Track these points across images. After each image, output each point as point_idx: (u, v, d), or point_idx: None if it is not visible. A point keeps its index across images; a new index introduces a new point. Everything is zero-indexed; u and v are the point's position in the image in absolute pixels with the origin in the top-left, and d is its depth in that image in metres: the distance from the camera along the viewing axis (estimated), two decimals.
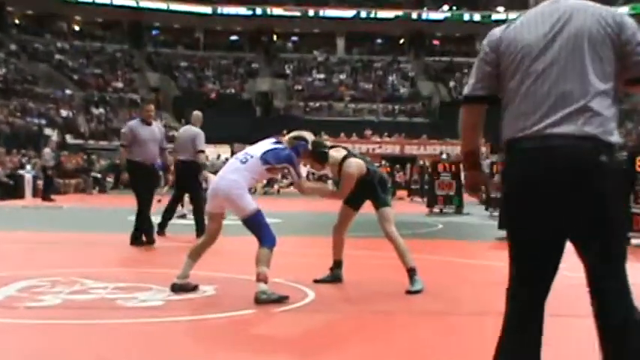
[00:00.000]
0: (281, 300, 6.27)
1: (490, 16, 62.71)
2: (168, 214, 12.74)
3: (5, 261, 9.08)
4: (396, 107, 56.89)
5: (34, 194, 25.30)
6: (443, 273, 8.78)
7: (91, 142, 44.03)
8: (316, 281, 7.46)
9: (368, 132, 47.81)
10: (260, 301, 6.20)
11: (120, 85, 55.17)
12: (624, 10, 58.53)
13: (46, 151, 25.79)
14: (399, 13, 62.81)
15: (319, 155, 7.03)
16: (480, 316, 6.20)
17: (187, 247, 11.27)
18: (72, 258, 9.55)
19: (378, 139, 46.78)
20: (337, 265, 7.69)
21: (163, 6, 60.77)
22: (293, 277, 7.61)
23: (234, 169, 6.58)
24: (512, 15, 61.41)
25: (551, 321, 3.45)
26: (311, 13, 62.55)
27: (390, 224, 7.27)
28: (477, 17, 63.02)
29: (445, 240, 13.63)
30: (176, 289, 6.69)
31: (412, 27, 63.55)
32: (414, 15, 63.13)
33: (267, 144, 6.79)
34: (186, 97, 55.56)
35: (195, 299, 6.51)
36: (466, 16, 63.27)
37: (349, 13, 62.98)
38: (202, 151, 12.83)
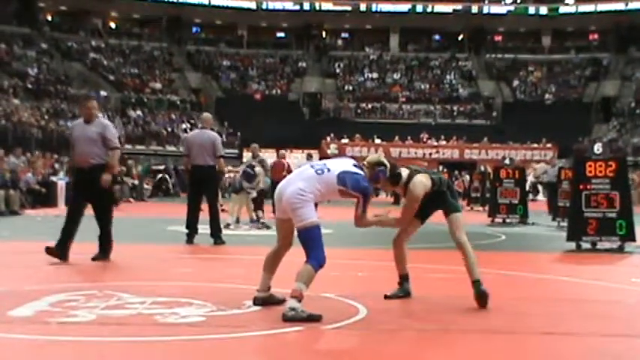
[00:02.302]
0: (312, 319, 6.17)
1: (558, 9, 62.08)
2: (193, 221, 12.92)
3: (37, 273, 9.21)
4: (455, 108, 56.62)
5: (67, 202, 25.64)
6: (506, 288, 8.69)
7: (128, 146, 44.52)
8: (387, 297, 7.48)
9: (424, 135, 47.68)
10: (287, 317, 6.18)
11: (158, 85, 55.77)
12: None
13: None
14: (458, 6, 62.51)
15: (395, 177, 7.15)
16: (547, 335, 6.12)
17: (224, 259, 11.35)
18: (107, 270, 9.65)
19: (435, 143, 46.62)
20: (404, 278, 7.67)
21: (204, 1, 61.30)
22: (344, 291, 7.59)
23: (306, 177, 6.60)
24: (582, 8, 60.82)
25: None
26: (363, 7, 62.57)
27: (461, 231, 7.34)
28: (543, 11, 62.43)
29: (508, 252, 13.50)
30: (257, 302, 6.82)
31: (472, 22, 63.18)
32: (475, 9, 62.78)
33: (348, 164, 6.80)
34: (229, 99, 56.04)
35: (239, 315, 6.53)
36: (531, 10, 62.73)
37: (404, 7, 62.86)
38: (223, 156, 13.04)
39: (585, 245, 13.14)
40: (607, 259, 12.36)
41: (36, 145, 33.51)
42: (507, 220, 20.28)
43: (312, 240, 6.47)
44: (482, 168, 32.76)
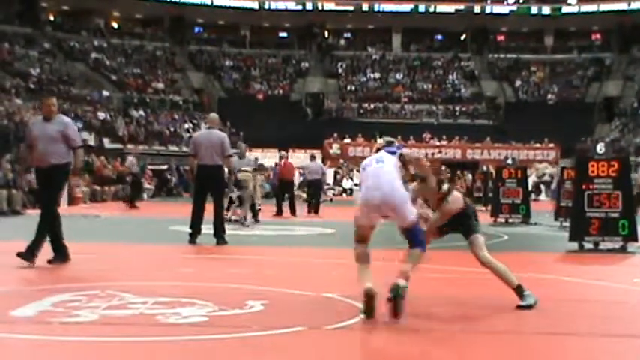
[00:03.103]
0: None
1: (560, 9, 62.01)
2: (198, 221, 12.93)
3: (39, 273, 9.22)
4: (457, 108, 56.59)
5: (70, 202, 25.67)
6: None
7: (130, 146, 44.54)
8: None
9: (427, 135, 47.66)
10: (396, 294, 6.40)
11: (161, 85, 55.78)
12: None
13: (130, 159, 28.54)
14: (461, 6, 62.46)
15: (439, 182, 7.43)
16: (549, 335, 6.12)
17: (225, 259, 11.36)
18: (110, 270, 9.66)
19: (438, 143, 46.59)
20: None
21: (207, 1, 61.28)
22: (347, 292, 7.60)
23: (392, 180, 6.77)
24: (585, 8, 60.76)
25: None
26: (365, 7, 62.53)
27: (482, 249, 7.49)
28: (545, 11, 62.35)
29: (511, 252, 13.48)
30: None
31: (475, 22, 63.13)
32: (477, 9, 62.72)
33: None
34: (231, 99, 56.04)
35: (242, 315, 6.53)
36: (534, 10, 62.66)
37: (406, 7, 62.81)
38: (231, 156, 13.27)
39: (588, 245, 13.14)
40: (609, 259, 12.36)
41: None
42: (510, 220, 20.28)
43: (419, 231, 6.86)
44: (485, 168, 32.79)
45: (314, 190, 24.84)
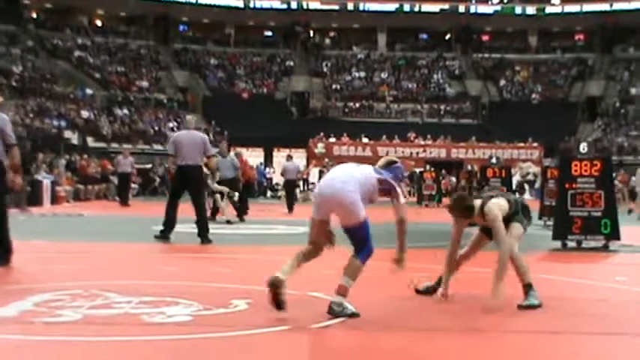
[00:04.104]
0: (354, 315, 6.41)
1: (544, 9, 62.26)
2: (174, 219, 13.07)
3: (22, 272, 9.17)
4: (442, 108, 56.74)
5: (53, 201, 25.58)
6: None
7: (114, 145, 44.43)
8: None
9: (411, 134, 47.75)
10: (333, 311, 6.39)
11: (145, 84, 55.64)
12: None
13: (119, 158, 28.62)
14: (445, 6, 62.61)
15: (468, 210, 7.46)
16: (532, 334, 6.15)
17: (210, 258, 11.35)
18: (93, 269, 9.62)
19: (422, 142, 46.67)
20: (440, 281, 7.87)
21: None
22: (331, 290, 7.59)
23: (349, 178, 6.68)
24: (568, 8, 61.03)
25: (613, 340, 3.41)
26: (350, 6, 62.58)
27: (513, 240, 7.53)
28: (529, 11, 62.61)
29: (494, 251, 13.52)
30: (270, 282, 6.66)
31: (459, 21, 63.32)
32: (462, 8, 62.90)
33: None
34: (216, 97, 55.95)
35: (226, 314, 6.53)
36: (518, 10, 62.89)
37: (391, 6, 62.91)
38: (214, 156, 13.46)
39: (571, 244, 13.21)
40: (592, 257, 12.43)
41: (20, 144, 33.34)
42: None
43: (366, 234, 6.69)
44: (470, 167, 32.86)
45: (291, 189, 25.45)
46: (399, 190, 6.81)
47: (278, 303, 6.36)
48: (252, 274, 8.74)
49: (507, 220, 7.56)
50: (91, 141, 44.46)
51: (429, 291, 7.81)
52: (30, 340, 5.58)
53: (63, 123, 44.23)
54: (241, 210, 20.02)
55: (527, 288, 7.38)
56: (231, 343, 5.65)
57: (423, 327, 6.40)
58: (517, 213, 7.57)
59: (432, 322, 6.59)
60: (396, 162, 7.13)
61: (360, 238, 6.68)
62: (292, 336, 5.89)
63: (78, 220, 19.52)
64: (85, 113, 48.13)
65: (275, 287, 6.37)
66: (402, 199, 6.83)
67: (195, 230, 13.01)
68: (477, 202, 7.50)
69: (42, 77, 50.35)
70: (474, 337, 6.06)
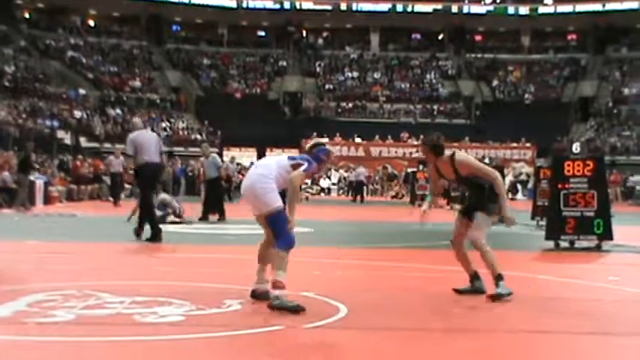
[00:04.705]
0: (297, 310, 6.48)
1: (537, 9, 62.34)
2: (147, 218, 13.30)
3: (15, 273, 9.15)
4: (435, 108, 56.76)
5: (46, 201, 25.53)
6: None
7: (107, 145, 44.35)
8: (455, 290, 7.76)
9: (404, 135, 47.76)
10: (274, 305, 6.53)
11: (138, 84, 55.57)
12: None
13: (111, 158, 28.71)
14: (438, 6, 62.66)
15: (437, 148, 7.80)
16: (524, 333, 6.16)
17: (203, 258, 11.35)
18: (86, 270, 9.61)
19: (416, 143, 46.60)
20: (475, 277, 7.89)
21: None
22: (324, 290, 7.61)
23: (258, 167, 7.03)
24: (561, 8, 61.12)
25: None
26: (343, 6, 62.58)
27: (479, 232, 7.75)
28: (522, 11, 62.69)
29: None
30: (256, 295, 7.02)
31: (452, 21, 63.37)
32: (454, 8, 62.95)
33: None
34: (209, 98, 55.90)
35: (219, 314, 6.53)
36: (511, 10, 62.96)
37: (384, 6, 62.93)
38: (164, 153, 14.11)
39: (563, 244, 13.23)
40: (585, 257, 12.46)
41: (13, 144, 33.29)
42: None
43: (282, 222, 6.82)
44: None
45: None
46: (303, 166, 6.94)
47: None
48: (245, 275, 8.73)
49: (475, 207, 7.76)
50: (83, 141, 44.39)
51: (468, 291, 7.82)
52: (23, 340, 5.57)
53: (56, 123, 44.14)
54: (206, 210, 19.82)
55: (498, 279, 7.55)
56: (224, 343, 5.65)
57: (417, 327, 6.40)
58: (482, 195, 7.70)
59: (427, 322, 6.60)
60: (321, 144, 7.32)
61: (276, 227, 6.85)
62: (285, 336, 5.89)
63: (71, 220, 19.48)
64: (77, 113, 48.05)
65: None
66: (301, 170, 6.92)
67: (191, 231, 13.04)
68: (449, 151, 7.78)
69: (34, 77, 50.25)
70: (468, 337, 6.06)
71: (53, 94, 49.11)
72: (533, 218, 19.66)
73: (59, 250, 11.83)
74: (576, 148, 13.66)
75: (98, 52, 57.59)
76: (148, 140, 13.41)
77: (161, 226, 13.47)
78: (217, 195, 20.03)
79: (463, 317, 6.79)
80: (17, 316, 6.31)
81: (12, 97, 45.18)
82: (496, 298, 7.42)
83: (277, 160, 7.06)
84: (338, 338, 5.88)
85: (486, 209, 7.72)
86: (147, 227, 13.11)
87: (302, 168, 6.91)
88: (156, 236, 12.97)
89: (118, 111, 51.31)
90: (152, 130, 14.20)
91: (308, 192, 38.17)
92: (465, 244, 7.90)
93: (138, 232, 13.23)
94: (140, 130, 13.88)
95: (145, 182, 13.51)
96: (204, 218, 19.28)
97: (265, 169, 6.92)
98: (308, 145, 7.34)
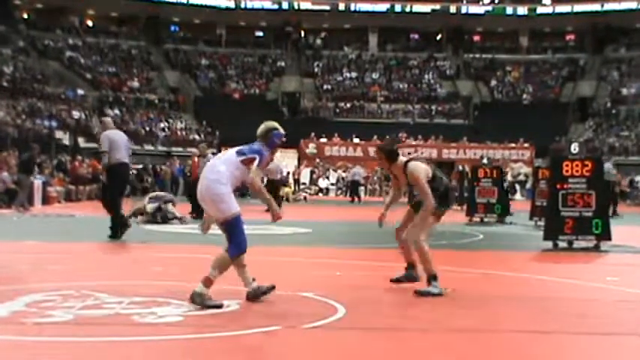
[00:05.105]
0: (216, 307, 6.66)
1: (535, 9, 62.36)
2: (120, 219, 13.50)
3: (13, 273, 9.15)
4: (433, 108, 56.76)
5: (44, 202, 25.52)
6: (483, 286, 8.74)
7: None
8: (392, 280, 8.09)
9: (403, 135, 47.71)
10: (195, 301, 6.67)
11: (136, 84, 55.54)
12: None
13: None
14: (436, 6, 62.65)
15: (392, 154, 7.93)
16: (522, 333, 6.16)
17: (201, 258, 11.34)
18: (85, 270, 9.61)
19: (414, 143, 46.64)
20: (410, 266, 8.19)
21: None
22: (322, 291, 7.61)
23: (210, 170, 7.00)
24: (559, 8, 61.14)
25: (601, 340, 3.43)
26: (341, 6, 62.56)
27: (421, 230, 7.89)
28: (521, 11, 62.69)
29: (486, 251, 13.56)
30: (250, 296, 7.06)
31: (450, 22, 63.37)
32: (453, 9, 62.94)
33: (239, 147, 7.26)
34: (207, 98, 55.87)
35: (218, 314, 6.53)
36: (509, 10, 62.97)
37: (382, 6, 62.92)
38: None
39: (562, 244, 13.24)
40: (583, 257, 12.46)
41: (11, 144, 33.29)
42: (485, 220, 20.36)
43: (236, 228, 6.91)
44: (461, 167, 32.87)
45: (274, 189, 25.66)
46: (255, 161, 6.93)
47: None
48: None
49: (421, 206, 7.92)
50: (82, 141, 44.34)
51: (401, 280, 8.15)
52: (21, 340, 5.56)
53: (54, 123, 44.14)
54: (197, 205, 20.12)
55: (431, 279, 7.74)
56: (223, 344, 5.65)
57: (416, 327, 6.40)
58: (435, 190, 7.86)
59: (426, 323, 6.60)
60: (275, 128, 7.25)
61: (231, 233, 6.90)
62: (283, 336, 5.89)
63: (69, 220, 19.47)
64: (76, 114, 48.03)
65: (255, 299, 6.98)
66: (254, 168, 6.93)
67: (185, 231, 13.04)
68: (404, 158, 7.97)
69: (33, 78, 50.22)
70: (467, 338, 6.07)
71: (51, 95, 49.08)
72: (531, 218, 19.69)
73: (58, 251, 11.82)
74: (575, 148, 13.65)
75: (96, 53, 57.56)
76: (122, 139, 13.63)
77: (160, 227, 13.51)
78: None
79: (462, 317, 6.79)
80: (15, 316, 6.31)
81: (10, 98, 45.16)
82: (423, 294, 7.65)
83: (225, 159, 7.01)
84: (336, 338, 5.89)
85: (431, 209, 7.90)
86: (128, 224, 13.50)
87: (254, 164, 6.91)
88: (116, 235, 13.22)
89: (117, 111, 51.27)
90: (123, 131, 14.39)
91: (306, 192, 38.23)
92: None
93: (114, 234, 13.35)
94: (113, 130, 13.98)
95: (116, 182, 13.63)
96: (196, 214, 19.33)
97: (216, 174, 6.90)
98: (261, 130, 7.25)
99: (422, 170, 7.81)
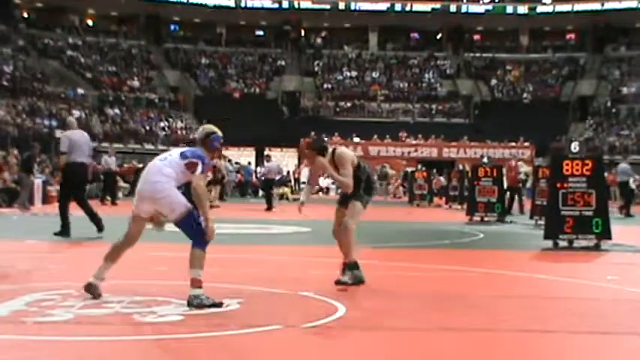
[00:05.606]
0: (215, 306, 6.64)
1: (536, 8, 62.34)
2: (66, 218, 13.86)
3: (13, 272, 9.15)
4: (433, 107, 56.78)
5: (44, 201, 25.50)
6: (483, 286, 8.74)
7: (105, 144, 44.33)
8: (337, 282, 8.10)
9: (403, 134, 47.71)
10: (193, 305, 6.61)
11: (136, 84, 55.55)
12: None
13: (105, 157, 28.77)
14: (437, 5, 62.66)
15: (322, 149, 8.19)
16: (523, 333, 6.16)
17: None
18: (84, 269, 9.59)
19: (414, 142, 46.67)
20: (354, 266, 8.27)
21: None
22: (323, 290, 7.61)
23: (156, 171, 6.97)
24: (559, 7, 61.11)
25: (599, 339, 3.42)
26: (341, 5, 62.57)
27: (353, 218, 8.20)
28: (521, 10, 62.69)
29: (486, 250, 13.57)
30: (91, 290, 7.06)
31: (450, 20, 63.38)
32: (453, 7, 62.96)
33: (184, 148, 7.32)
34: (207, 97, 55.90)
35: (218, 314, 6.52)
36: (509, 9, 62.97)
37: (382, 5, 62.93)
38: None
39: (562, 243, 13.24)
40: (583, 256, 12.46)
41: (12, 144, 33.30)
42: (485, 219, 20.36)
43: (192, 224, 6.84)
44: (461, 166, 32.87)
45: (270, 187, 25.91)
46: (198, 168, 6.91)
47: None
48: (243, 274, 8.74)
49: (349, 196, 8.21)
50: None
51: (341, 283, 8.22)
52: (21, 339, 5.56)
53: (54, 122, 44.14)
54: None
55: (349, 267, 8.03)
56: (223, 343, 5.64)
57: (416, 326, 6.40)
58: (359, 186, 8.17)
59: (426, 322, 6.60)
60: (213, 132, 7.28)
61: (189, 229, 6.87)
62: (284, 335, 5.89)
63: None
64: (76, 113, 47.97)
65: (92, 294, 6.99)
66: (198, 172, 6.91)
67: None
68: (330, 148, 8.29)
69: (33, 77, 50.24)
70: (467, 337, 6.06)
71: (52, 94, 49.10)
72: (531, 217, 19.70)
73: (58, 250, 11.82)
74: (575, 147, 13.66)
75: (97, 52, 57.58)
76: (84, 140, 13.86)
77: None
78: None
79: (462, 316, 6.78)
80: (16, 315, 6.31)
81: (10, 97, 45.18)
82: (341, 283, 7.90)
83: (171, 161, 6.98)
84: (337, 337, 5.88)
85: (361, 199, 8.22)
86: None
87: (198, 171, 6.90)
88: (63, 232, 13.55)
89: (117, 110, 51.31)
90: (85, 131, 14.68)
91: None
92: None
93: (99, 228, 13.73)
94: (74, 130, 14.17)
95: (71, 181, 13.83)
96: None
97: (160, 176, 6.89)
98: (200, 134, 7.28)
99: (349, 155, 8.24)
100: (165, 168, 6.93)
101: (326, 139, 8.67)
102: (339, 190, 8.86)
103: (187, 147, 7.33)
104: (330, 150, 8.25)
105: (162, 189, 6.84)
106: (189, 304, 6.63)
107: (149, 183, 6.94)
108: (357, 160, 8.29)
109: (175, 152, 7.11)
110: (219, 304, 6.69)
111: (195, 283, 6.72)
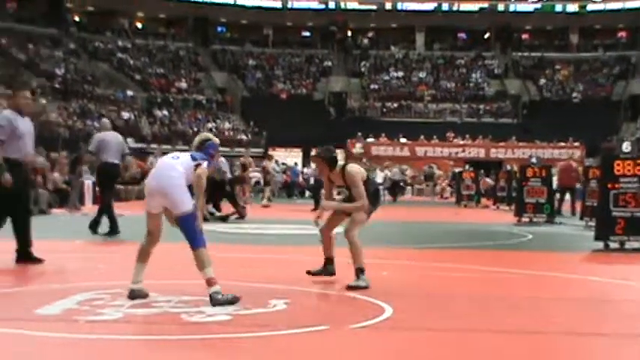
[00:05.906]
0: (235, 300, 6.75)
1: (586, 6, 61.62)
2: (101, 217, 14.29)
3: (64, 272, 9.28)
4: (481, 107, 56.41)
5: (94, 202, 25.79)
6: (532, 288, 8.65)
7: (154, 145, 44.75)
8: (308, 272, 8.33)
9: (450, 134, 47.51)
10: (216, 301, 6.69)
11: (184, 85, 55.99)
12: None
13: (151, 158, 29.71)
14: (484, 4, 62.27)
15: (332, 160, 8.24)
16: (573, 336, 6.09)
17: (246, 258, 11.38)
18: (133, 269, 9.67)
19: (461, 142, 46.44)
20: (329, 261, 8.45)
21: (230, 0, 61.48)
22: (369, 291, 7.60)
23: (169, 167, 7.11)
24: (610, 5, 60.32)
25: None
26: (388, 6, 62.49)
27: (355, 229, 8.19)
28: (570, 8, 62.04)
29: (535, 252, 13.44)
30: (135, 295, 7.07)
31: (498, 20, 62.91)
32: (501, 7, 62.52)
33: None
34: (254, 98, 56.13)
35: (265, 314, 6.54)
36: (558, 7, 62.35)
37: (429, 5, 62.73)
38: (129, 154, 15.35)
39: (613, 245, 13.05)
40: (635, 258, 12.28)
41: (63, 145, 33.74)
42: (534, 220, 20.17)
43: (193, 225, 7.03)
44: (509, 167, 32.62)
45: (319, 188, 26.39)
46: (204, 164, 7.14)
47: None
48: (289, 275, 8.76)
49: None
50: (131, 142, 44.79)
51: (320, 273, 8.37)
52: (74, 338, 5.63)
53: None
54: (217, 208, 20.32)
55: (359, 272, 7.92)
56: (271, 343, 5.66)
57: (461, 327, 6.34)
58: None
59: (474, 323, 6.54)
60: (208, 140, 7.50)
61: (190, 228, 7.02)
62: (332, 336, 5.89)
63: (119, 220, 19.66)
64: (125, 114, 48.57)
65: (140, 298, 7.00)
66: (204, 168, 7.12)
67: (231, 230, 13.09)
68: (341, 163, 8.28)
69: (84, 79, 50.91)
70: (517, 338, 6.01)
71: (101, 96, 49.72)
72: (582, 218, 19.46)
73: (107, 250, 11.95)
74: (626, 147, 13.47)
75: (145, 54, 58.17)
76: (116, 141, 14.22)
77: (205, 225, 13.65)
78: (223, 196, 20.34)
79: (510, 318, 6.73)
80: (68, 313, 6.39)
81: (62, 99, 45.86)
82: (354, 288, 7.77)
83: (182, 162, 7.12)
84: (384, 339, 5.87)
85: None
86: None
87: (204, 166, 7.11)
88: (112, 232, 13.96)
89: (165, 112, 51.75)
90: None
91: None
92: (334, 233, 8.48)
93: (94, 229, 14.07)
94: (107, 131, 14.50)
95: (104, 181, 14.30)
96: (219, 216, 19.56)
97: (173, 171, 7.03)
98: (196, 142, 7.48)
99: (360, 173, 8.21)
100: (177, 165, 7.08)
101: (337, 150, 8.54)
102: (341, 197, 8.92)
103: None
104: (340, 165, 8.26)
105: (173, 184, 6.97)
106: (213, 302, 6.70)
107: (162, 177, 7.06)
108: (365, 173, 8.36)
109: (185, 155, 7.30)
110: (238, 299, 6.78)
111: (212, 282, 6.83)
